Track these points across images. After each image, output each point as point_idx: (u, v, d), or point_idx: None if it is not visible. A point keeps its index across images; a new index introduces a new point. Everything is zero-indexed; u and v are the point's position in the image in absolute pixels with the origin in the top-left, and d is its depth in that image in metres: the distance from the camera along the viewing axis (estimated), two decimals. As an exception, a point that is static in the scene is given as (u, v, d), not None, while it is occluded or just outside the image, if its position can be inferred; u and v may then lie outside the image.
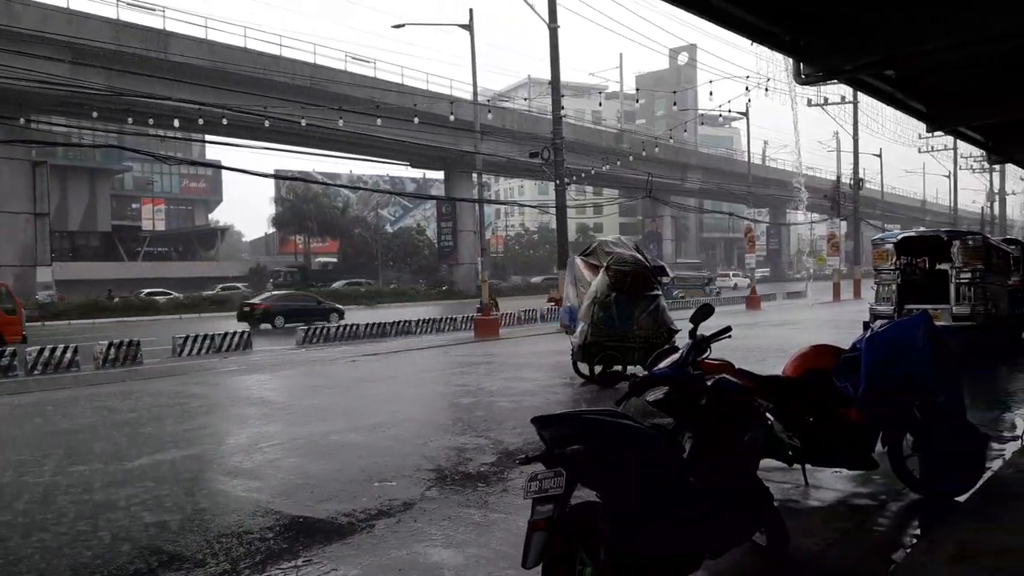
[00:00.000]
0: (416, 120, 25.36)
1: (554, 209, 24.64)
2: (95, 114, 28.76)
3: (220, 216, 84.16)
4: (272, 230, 72.30)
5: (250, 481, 6.29)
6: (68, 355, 15.28)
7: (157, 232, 66.81)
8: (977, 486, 4.98)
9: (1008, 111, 15.42)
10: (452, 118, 26.03)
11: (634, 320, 10.45)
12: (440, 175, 57.06)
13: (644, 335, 10.40)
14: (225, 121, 25.33)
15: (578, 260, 11.61)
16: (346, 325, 22.26)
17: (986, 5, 9.44)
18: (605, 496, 3.22)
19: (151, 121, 27.90)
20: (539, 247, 77.21)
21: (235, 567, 4.36)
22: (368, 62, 45.04)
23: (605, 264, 10.68)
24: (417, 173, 68.93)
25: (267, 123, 26.32)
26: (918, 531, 4.64)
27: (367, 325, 22.44)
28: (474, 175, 33.56)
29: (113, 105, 28.74)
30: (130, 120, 28.64)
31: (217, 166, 48.07)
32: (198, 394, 11.77)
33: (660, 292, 11.06)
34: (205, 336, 18.44)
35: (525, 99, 43.68)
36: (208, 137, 34.39)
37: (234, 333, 19.11)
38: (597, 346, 10.39)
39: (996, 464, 5.69)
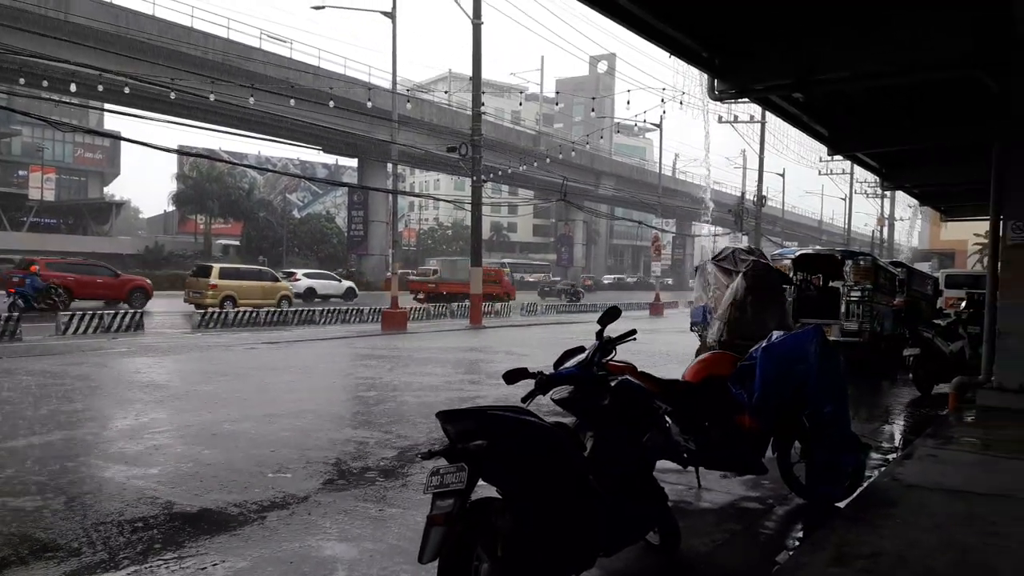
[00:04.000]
0: (331, 104, 24.79)
1: (469, 205, 24.57)
2: (-19, 71, 26.80)
3: (116, 190, 79.74)
4: (172, 208, 69.16)
5: (134, 468, 5.97)
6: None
7: (46, 202, 62.69)
8: (857, 493, 5.26)
9: (899, 141, 16.44)
10: (369, 105, 25.59)
11: (764, 321, 11.06)
12: (354, 163, 56.06)
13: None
14: (128, 90, 24.09)
15: (710, 265, 12.49)
16: (245, 311, 21.54)
17: (877, 45, 10.10)
18: (506, 492, 3.22)
19: (45, 84, 26.20)
20: (452, 243, 76.97)
21: (113, 557, 4.12)
22: (284, 42, 43.93)
23: (743, 270, 11.48)
24: (329, 159, 67.46)
25: (173, 96, 25.18)
26: (801, 534, 4.85)
27: (267, 312, 21.80)
28: (389, 165, 33.10)
29: (4, 64, 26.83)
30: (22, 81, 26.77)
31: (116, 136, 45.28)
32: (82, 375, 11.12)
33: (786, 298, 12.21)
34: (93, 315, 17.47)
35: (445, 92, 43.37)
36: (108, 106, 32.43)
37: (124, 313, 18.18)
38: (730, 343, 10.96)
39: (875, 473, 6.01)
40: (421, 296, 34.56)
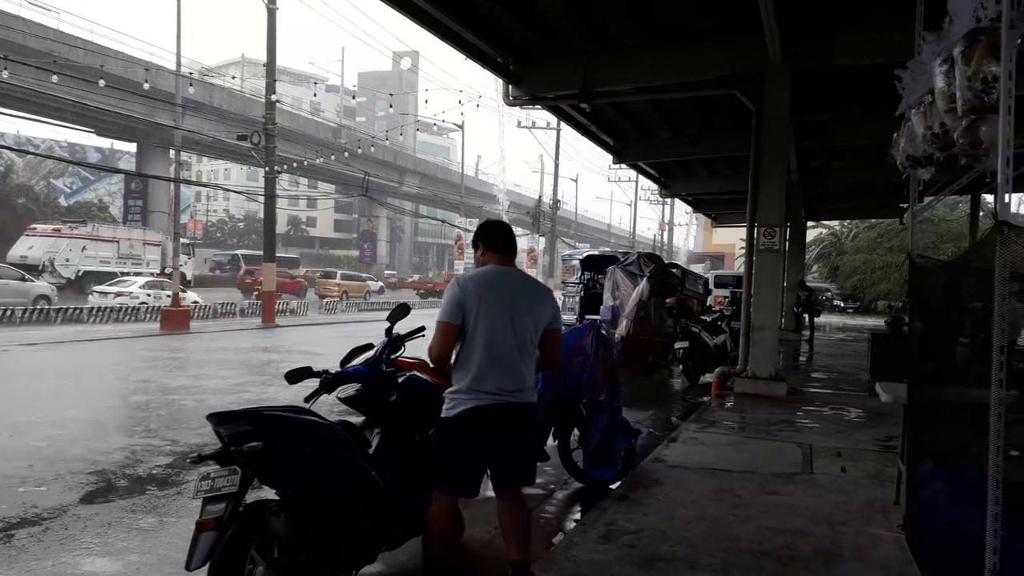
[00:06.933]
0: (102, 83, 22.49)
1: (263, 197, 23.45)
2: None
3: None
4: (-96, 190, 59.51)
5: None
6: None
7: None
8: (628, 475, 5.69)
9: (674, 153, 17.96)
10: (146, 86, 23.61)
11: (663, 318, 12.88)
12: (132, 147, 51.41)
13: (668, 333, 12.87)
14: None
15: (618, 271, 13.52)
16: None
17: (653, 63, 11.06)
18: (284, 493, 3.14)
19: None
20: (245, 236, 72.94)
21: None
22: (51, 11, 39.22)
23: (647, 274, 12.89)
24: (104, 142, 61.30)
25: (-97, 60, 21.61)
26: (579, 516, 5.16)
27: (24, 310, 19.47)
28: (172, 151, 30.72)
29: None
30: None
31: None
32: None
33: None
34: None
35: (233, 77, 40.93)
36: None
37: None
38: (636, 338, 12.45)
39: (646, 456, 6.52)
40: (422, 292, 45.09)
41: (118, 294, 24.23)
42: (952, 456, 3.40)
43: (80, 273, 31.90)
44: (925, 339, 4.26)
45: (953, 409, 3.54)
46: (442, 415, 3.37)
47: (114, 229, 35.76)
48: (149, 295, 24.62)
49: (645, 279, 12.95)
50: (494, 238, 3.55)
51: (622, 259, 14.89)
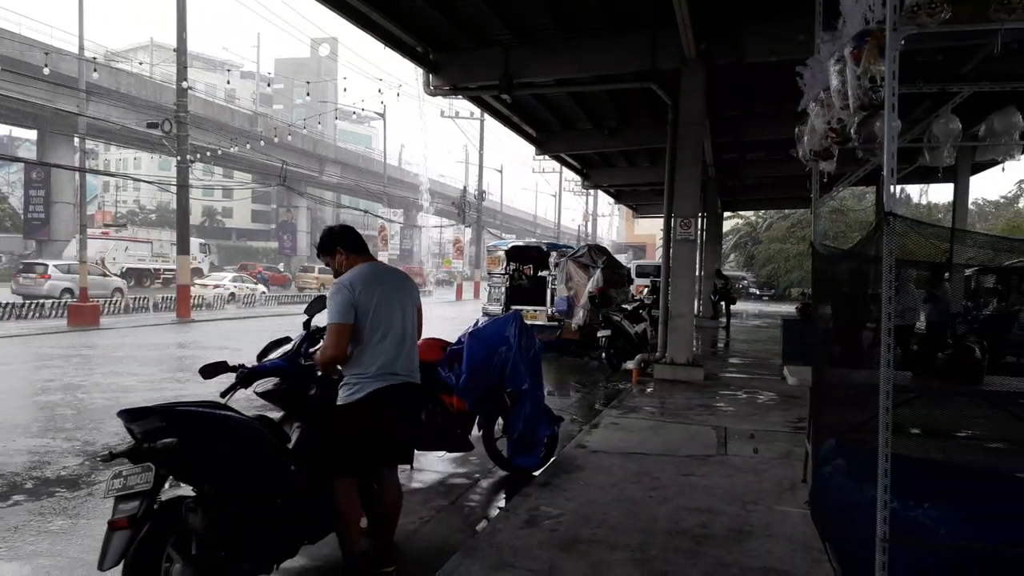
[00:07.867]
0: (-1, 67, 21.23)
1: (175, 187, 22.61)
2: None
3: None
4: None
5: None
6: None
7: None
8: (550, 462, 5.81)
9: (595, 145, 18.23)
10: (46, 71, 22.40)
11: (613, 308, 13.35)
12: (33, 135, 48.72)
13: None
14: None
15: (571, 262, 13.91)
16: None
17: (573, 57, 11.21)
18: (200, 489, 3.09)
19: None
20: (157, 228, 70.24)
21: None
22: (-62, -13, 36.59)
23: (600, 265, 13.42)
24: (2, 129, 58.09)
25: None
26: (503, 503, 5.24)
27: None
28: (77, 139, 29.30)
29: None
30: None
31: None
32: None
33: (628, 288, 14.64)
34: None
35: (140, 63, 39.24)
36: None
37: None
38: (591, 326, 13.04)
39: (569, 442, 6.65)
40: None
41: (216, 286, 30.16)
42: (851, 434, 3.61)
43: (124, 270, 37.32)
44: (827, 323, 4.49)
45: (852, 390, 3.76)
46: (341, 402, 3.51)
47: (147, 232, 42.99)
48: (236, 286, 30.52)
49: (599, 270, 13.38)
50: (352, 242, 3.82)
51: (546, 249, 15.08)
